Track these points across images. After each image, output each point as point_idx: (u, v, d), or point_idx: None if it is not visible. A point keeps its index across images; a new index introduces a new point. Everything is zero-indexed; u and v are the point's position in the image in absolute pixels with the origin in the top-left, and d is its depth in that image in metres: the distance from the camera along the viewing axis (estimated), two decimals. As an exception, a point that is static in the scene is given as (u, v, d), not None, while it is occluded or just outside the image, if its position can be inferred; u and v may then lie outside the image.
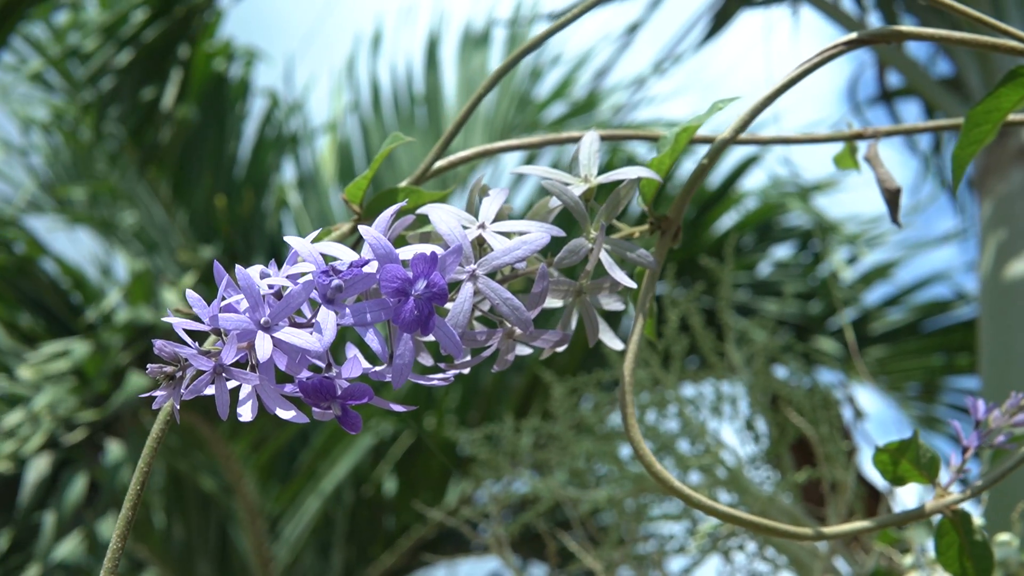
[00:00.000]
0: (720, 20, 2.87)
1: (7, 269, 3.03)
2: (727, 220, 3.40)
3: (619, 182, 0.80)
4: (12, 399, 2.73)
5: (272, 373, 0.67)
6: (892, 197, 0.94)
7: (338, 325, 0.66)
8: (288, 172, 3.65)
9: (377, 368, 0.69)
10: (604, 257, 0.75)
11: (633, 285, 0.75)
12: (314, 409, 0.68)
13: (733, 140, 0.85)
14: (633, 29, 3.21)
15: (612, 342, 0.82)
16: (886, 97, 2.85)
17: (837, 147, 1.03)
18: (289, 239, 0.67)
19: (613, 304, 0.83)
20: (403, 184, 0.86)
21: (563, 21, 0.90)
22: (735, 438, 1.84)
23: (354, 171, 3.66)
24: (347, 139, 3.67)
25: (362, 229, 0.67)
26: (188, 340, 0.65)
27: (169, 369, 0.63)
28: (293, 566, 3.40)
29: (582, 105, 3.68)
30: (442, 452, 3.29)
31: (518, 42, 3.70)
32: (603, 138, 0.85)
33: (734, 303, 3.23)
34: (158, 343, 0.63)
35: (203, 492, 3.33)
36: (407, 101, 3.71)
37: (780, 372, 2.24)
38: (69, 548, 2.68)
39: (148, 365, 0.63)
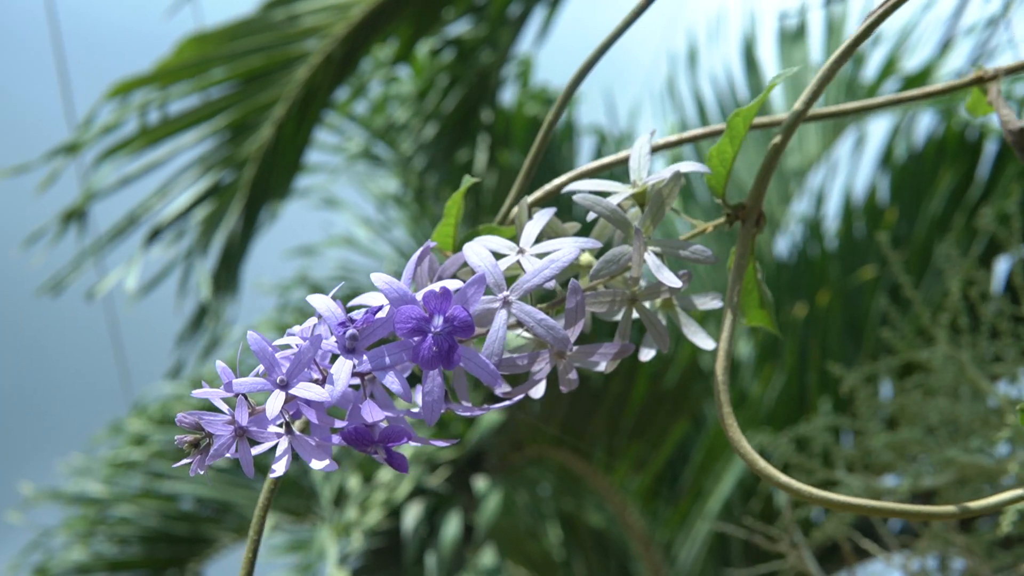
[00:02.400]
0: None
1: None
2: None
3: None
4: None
5: (325, 427, 0.70)
6: (1017, 139, 0.87)
7: (355, 373, 0.68)
8: (628, 203, 3.69)
9: (414, 409, 0.70)
10: (651, 259, 0.73)
11: (679, 284, 0.73)
12: (371, 453, 0.71)
13: (805, 115, 0.81)
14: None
15: (704, 342, 0.80)
16: None
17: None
18: (311, 298, 0.70)
19: (710, 303, 0.80)
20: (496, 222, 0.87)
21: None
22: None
23: (692, 191, 3.65)
24: (679, 159, 3.68)
25: (373, 276, 0.69)
26: (224, 408, 0.68)
27: (191, 438, 0.66)
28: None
29: (918, 76, 3.52)
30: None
31: (836, 28, 3.59)
32: (654, 148, 0.83)
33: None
34: (179, 416, 0.67)
35: (594, 528, 3.39)
36: (733, 107, 3.68)
37: None
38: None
39: (176, 437, 0.67)
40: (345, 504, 2.75)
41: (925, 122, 3.44)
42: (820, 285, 3.16)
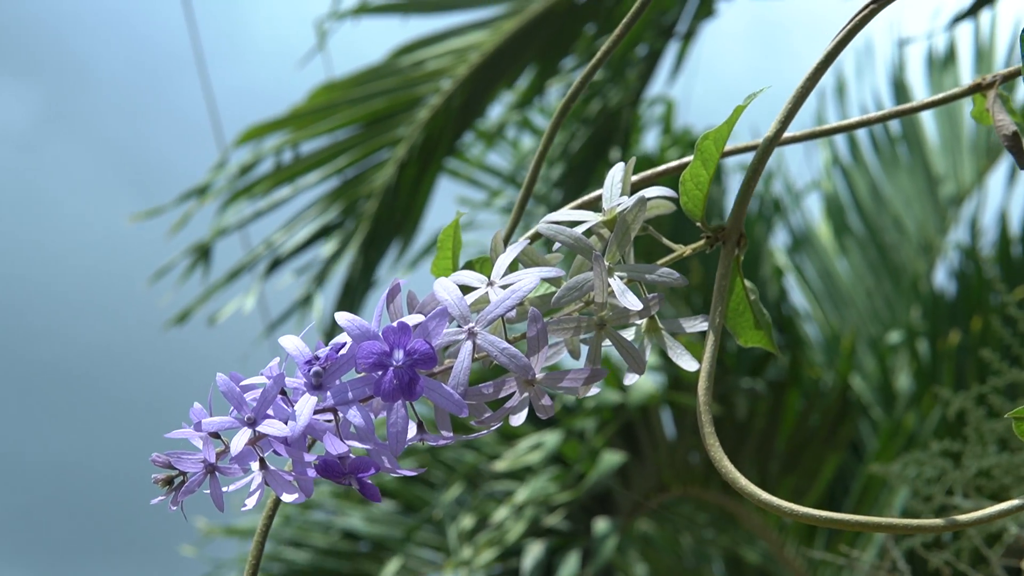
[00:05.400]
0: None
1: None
2: None
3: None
4: (498, 496, 2.94)
5: (301, 461, 0.73)
6: (1012, 144, 0.87)
7: (317, 409, 0.71)
8: (780, 238, 3.66)
9: (382, 443, 0.73)
10: (616, 285, 0.75)
11: (638, 307, 0.74)
12: (345, 484, 0.74)
13: (779, 139, 0.82)
14: None
15: (688, 364, 0.80)
16: None
17: None
18: (282, 340, 0.73)
19: (698, 325, 0.81)
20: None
21: None
22: None
23: (847, 223, 3.61)
24: (834, 193, 3.64)
25: (337, 315, 0.72)
26: (203, 446, 0.72)
27: (163, 476, 0.70)
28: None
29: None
30: None
31: (984, 53, 3.52)
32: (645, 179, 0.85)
33: None
34: (153, 455, 0.71)
35: (755, 565, 3.35)
36: (885, 141, 3.63)
37: None
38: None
39: (152, 475, 0.71)
40: (464, 543, 2.81)
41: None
42: (977, 312, 3.09)
